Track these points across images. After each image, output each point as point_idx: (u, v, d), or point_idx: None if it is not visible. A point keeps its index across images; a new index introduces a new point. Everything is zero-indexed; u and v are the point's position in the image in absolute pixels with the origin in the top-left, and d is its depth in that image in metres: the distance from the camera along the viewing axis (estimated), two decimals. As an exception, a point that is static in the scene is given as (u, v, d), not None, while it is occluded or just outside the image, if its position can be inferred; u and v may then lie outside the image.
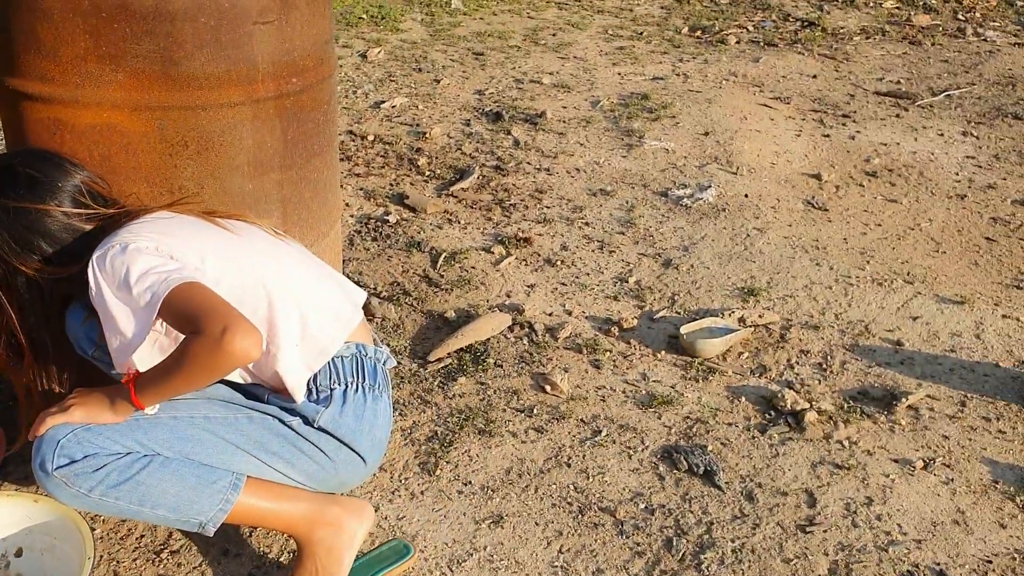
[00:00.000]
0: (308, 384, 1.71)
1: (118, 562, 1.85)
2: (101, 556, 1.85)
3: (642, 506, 2.05)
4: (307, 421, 1.69)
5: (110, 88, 1.86)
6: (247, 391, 1.76)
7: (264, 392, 1.74)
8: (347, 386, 1.73)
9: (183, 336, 1.55)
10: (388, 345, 2.57)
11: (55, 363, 1.79)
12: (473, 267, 3.06)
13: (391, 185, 3.71)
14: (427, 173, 3.82)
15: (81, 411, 1.59)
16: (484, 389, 2.43)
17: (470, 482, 2.11)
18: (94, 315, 1.61)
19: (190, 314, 1.49)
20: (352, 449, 1.73)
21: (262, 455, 1.69)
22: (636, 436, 2.28)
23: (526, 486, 2.10)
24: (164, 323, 1.56)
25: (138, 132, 1.91)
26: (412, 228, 3.32)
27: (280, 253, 1.77)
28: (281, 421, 1.69)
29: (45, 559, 1.79)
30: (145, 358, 1.58)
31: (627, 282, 2.99)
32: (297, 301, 1.69)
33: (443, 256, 3.10)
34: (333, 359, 1.74)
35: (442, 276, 2.99)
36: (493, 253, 3.15)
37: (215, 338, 1.44)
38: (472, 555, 1.91)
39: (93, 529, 1.71)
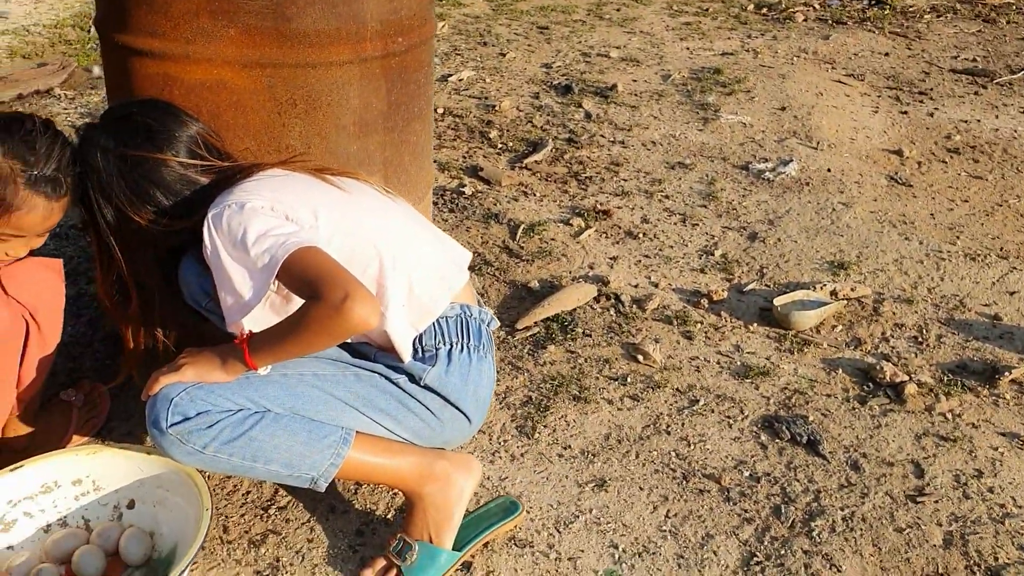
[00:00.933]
0: (414, 343, 1.70)
1: (227, 517, 1.86)
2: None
3: (747, 474, 2.02)
4: (413, 379, 1.69)
5: (221, 44, 1.86)
6: (354, 349, 1.75)
7: (371, 350, 1.73)
8: (452, 346, 1.72)
9: (297, 297, 1.55)
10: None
11: (160, 317, 1.79)
12: (553, 239, 3.03)
13: (464, 157, 3.69)
14: (499, 146, 3.80)
15: (192, 370, 1.60)
16: (575, 357, 2.41)
17: (569, 446, 2.09)
18: (209, 270, 1.60)
19: (309, 279, 1.48)
20: (457, 408, 1.72)
21: (370, 412, 1.68)
22: (735, 406, 2.24)
23: (626, 452, 2.08)
24: (277, 282, 1.56)
25: (248, 89, 1.90)
26: (488, 200, 3.30)
27: (389, 212, 1.76)
28: (388, 379, 1.69)
29: (157, 511, 1.81)
30: (257, 317, 1.57)
31: (713, 255, 2.95)
32: (405, 261, 1.67)
33: (522, 228, 3.07)
34: (438, 319, 1.73)
35: (522, 247, 2.97)
36: (572, 225, 3.12)
37: (335, 305, 1.44)
38: (578, 517, 1.89)
39: (203, 484, 1.72)
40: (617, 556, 1.82)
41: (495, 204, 3.26)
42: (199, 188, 1.68)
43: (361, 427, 1.69)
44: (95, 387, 2.13)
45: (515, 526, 1.83)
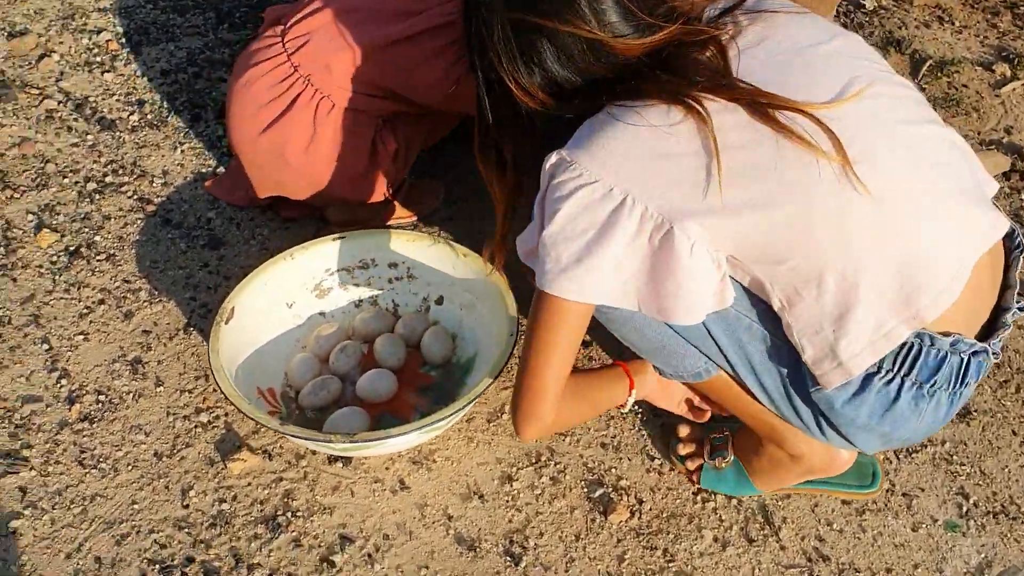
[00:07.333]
0: None
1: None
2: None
3: None
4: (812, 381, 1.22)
5: None
6: None
7: None
8: (881, 371, 1.19)
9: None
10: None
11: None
12: (965, 85, 2.48)
13: (873, -38, 3.09)
14: (920, -46, 3.14)
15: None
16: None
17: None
18: None
19: (525, 351, 1.24)
20: (844, 437, 1.28)
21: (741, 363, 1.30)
22: None
23: (1004, 381, 1.69)
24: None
25: None
26: (892, 20, 2.76)
27: (851, 209, 1.11)
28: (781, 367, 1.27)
29: (463, 315, 1.71)
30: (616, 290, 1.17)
31: None
32: (852, 285, 1.13)
33: (928, 64, 2.54)
34: None
35: (923, 88, 2.46)
36: (994, 72, 2.53)
37: (512, 412, 1.29)
38: (927, 446, 1.57)
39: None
40: (965, 509, 1.50)
41: (900, 27, 2.72)
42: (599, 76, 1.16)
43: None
44: (433, 181, 2.02)
45: (860, 499, 1.50)
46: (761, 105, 1.08)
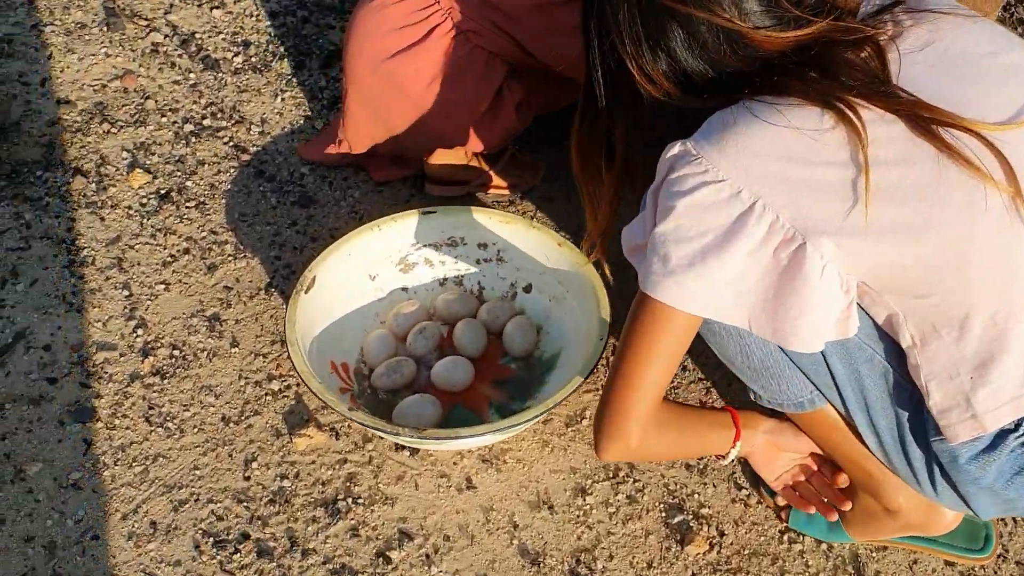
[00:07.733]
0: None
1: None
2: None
3: None
4: (934, 429, 1.10)
5: None
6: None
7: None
8: (1020, 430, 1.06)
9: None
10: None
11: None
12: None
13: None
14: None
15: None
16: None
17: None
18: None
19: (622, 345, 1.10)
20: (963, 498, 1.14)
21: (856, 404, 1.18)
22: None
23: None
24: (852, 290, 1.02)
25: None
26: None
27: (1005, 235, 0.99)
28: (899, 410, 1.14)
29: (551, 307, 1.61)
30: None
31: None
32: (1002, 323, 1.02)
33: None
34: None
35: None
36: None
37: (597, 423, 1.16)
38: (1049, 516, 1.42)
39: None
40: (1086, 589, 1.35)
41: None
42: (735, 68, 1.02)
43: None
44: (537, 158, 1.91)
45: (967, 563, 1.36)
46: (924, 119, 0.94)
